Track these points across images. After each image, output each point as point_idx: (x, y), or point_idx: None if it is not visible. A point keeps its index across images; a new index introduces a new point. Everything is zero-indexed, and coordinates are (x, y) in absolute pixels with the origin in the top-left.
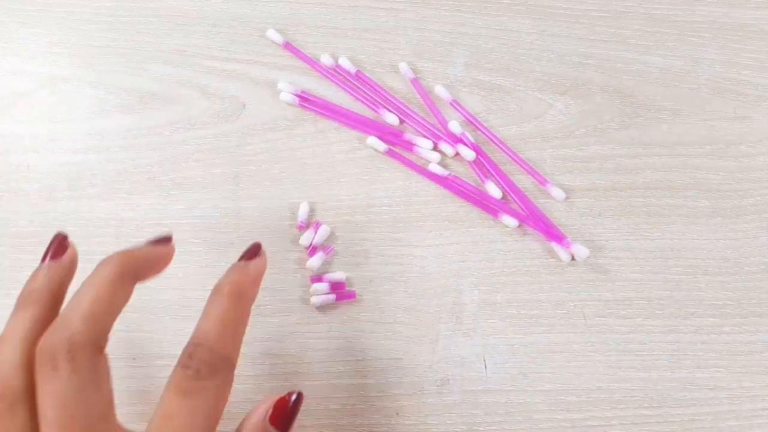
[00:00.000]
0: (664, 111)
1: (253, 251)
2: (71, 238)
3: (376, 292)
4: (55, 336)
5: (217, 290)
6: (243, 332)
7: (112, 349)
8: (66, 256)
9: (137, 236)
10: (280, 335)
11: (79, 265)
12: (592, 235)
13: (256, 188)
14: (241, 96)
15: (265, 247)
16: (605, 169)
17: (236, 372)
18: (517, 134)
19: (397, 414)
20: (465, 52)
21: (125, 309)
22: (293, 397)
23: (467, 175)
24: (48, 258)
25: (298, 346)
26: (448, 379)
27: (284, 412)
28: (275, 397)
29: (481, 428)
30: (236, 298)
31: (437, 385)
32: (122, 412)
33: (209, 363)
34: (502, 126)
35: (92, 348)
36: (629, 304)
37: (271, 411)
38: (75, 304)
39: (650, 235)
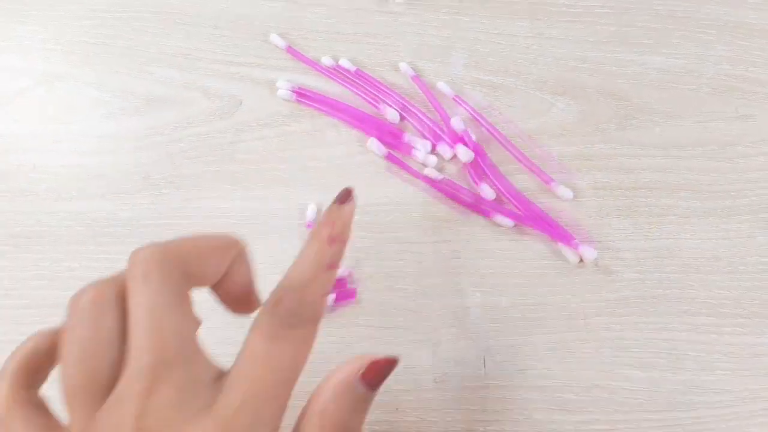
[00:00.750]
0: (657, 114)
1: (346, 195)
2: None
3: (376, 294)
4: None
5: (314, 234)
6: (335, 276)
7: None
8: None
9: (134, 237)
10: None
11: (84, 264)
12: (599, 235)
13: (252, 186)
14: (239, 95)
15: (263, 245)
16: (610, 167)
17: None
18: (524, 130)
19: (397, 410)
20: (463, 55)
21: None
22: (389, 359)
23: (465, 176)
24: None
25: None
26: (447, 377)
27: (378, 372)
28: (369, 357)
29: (480, 425)
30: (331, 242)
31: (436, 382)
32: None
33: (297, 314)
34: (506, 122)
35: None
36: (627, 304)
37: (364, 369)
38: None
39: (650, 235)
